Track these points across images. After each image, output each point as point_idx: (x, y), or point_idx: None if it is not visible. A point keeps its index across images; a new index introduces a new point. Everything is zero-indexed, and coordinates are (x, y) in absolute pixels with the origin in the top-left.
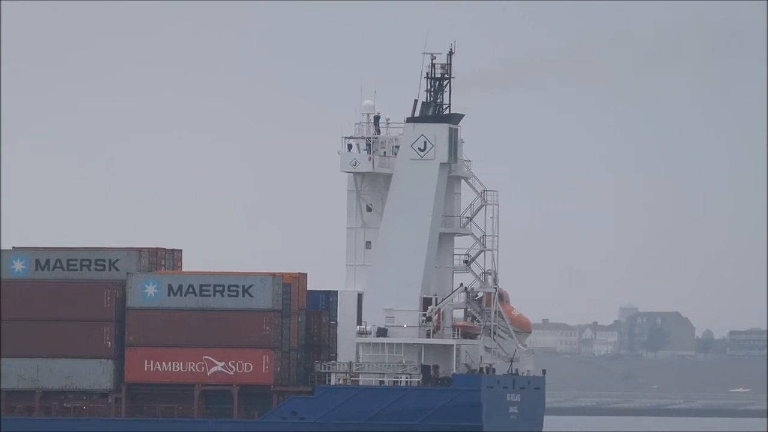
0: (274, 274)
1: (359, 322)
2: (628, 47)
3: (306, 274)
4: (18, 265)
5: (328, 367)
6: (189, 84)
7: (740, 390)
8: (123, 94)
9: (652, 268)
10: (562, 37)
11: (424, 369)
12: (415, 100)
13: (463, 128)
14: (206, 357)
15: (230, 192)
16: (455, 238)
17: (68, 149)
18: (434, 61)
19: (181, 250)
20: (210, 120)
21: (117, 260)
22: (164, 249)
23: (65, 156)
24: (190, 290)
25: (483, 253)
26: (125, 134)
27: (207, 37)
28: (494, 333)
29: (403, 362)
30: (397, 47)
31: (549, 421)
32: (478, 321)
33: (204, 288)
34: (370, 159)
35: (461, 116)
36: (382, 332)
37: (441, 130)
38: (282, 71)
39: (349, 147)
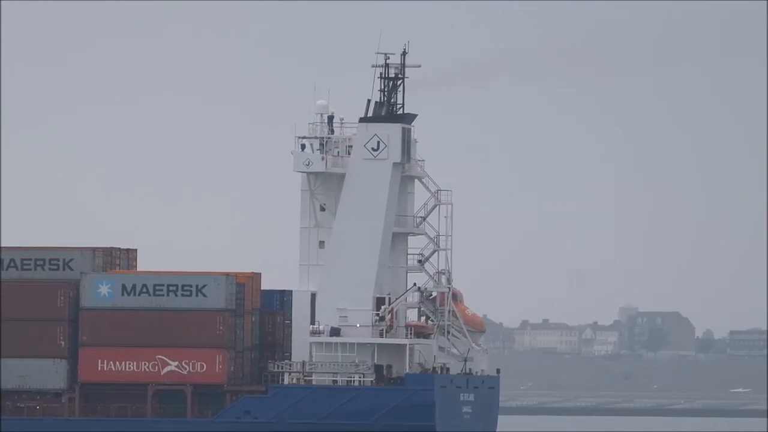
0: (227, 274)
1: (313, 321)
2: (627, 47)
3: (260, 273)
4: None
5: (282, 367)
6: (189, 84)
7: (740, 390)
8: (123, 94)
9: (652, 268)
10: (559, 35)
11: (377, 368)
12: (368, 100)
13: (444, 127)
14: (160, 357)
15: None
16: (409, 237)
17: (68, 149)
18: (388, 61)
19: (136, 250)
20: (210, 120)
21: (71, 260)
22: (119, 249)
23: (65, 156)
24: (144, 290)
25: (437, 252)
26: (125, 134)
27: (207, 37)
28: (448, 332)
29: (357, 362)
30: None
31: (550, 422)
32: (432, 320)
33: (158, 288)
34: (323, 159)
35: (414, 116)
36: (335, 332)
37: (394, 130)
38: (282, 71)
39: (303, 147)
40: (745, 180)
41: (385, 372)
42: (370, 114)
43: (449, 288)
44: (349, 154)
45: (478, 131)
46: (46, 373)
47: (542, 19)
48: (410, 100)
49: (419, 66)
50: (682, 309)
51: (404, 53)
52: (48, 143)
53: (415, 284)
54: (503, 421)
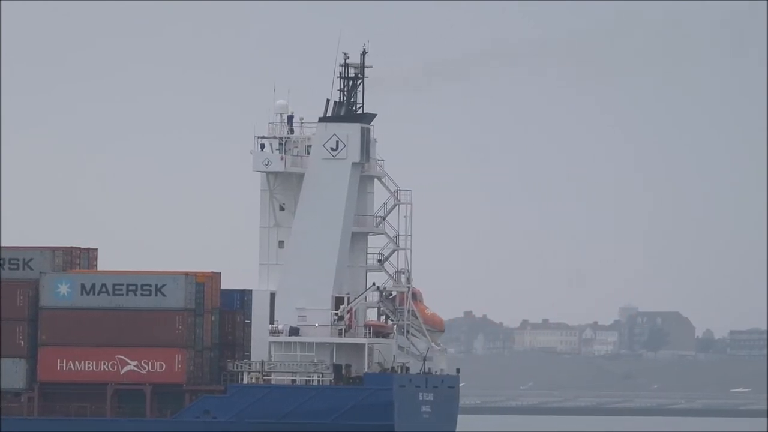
0: (187, 273)
1: (272, 321)
2: (627, 47)
3: (220, 273)
4: None
5: (241, 366)
6: (189, 84)
7: (740, 390)
8: (123, 94)
9: (652, 268)
10: (559, 35)
11: (336, 368)
12: (328, 100)
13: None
14: (119, 356)
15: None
16: (369, 237)
17: (68, 149)
18: (347, 61)
19: (96, 249)
20: (210, 120)
21: (31, 259)
22: (79, 248)
23: (65, 156)
24: (103, 289)
25: (396, 252)
26: (126, 134)
27: (207, 37)
28: (407, 332)
29: (315, 361)
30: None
31: (550, 422)
32: (391, 320)
33: (117, 287)
34: (282, 158)
35: (373, 116)
36: (294, 331)
37: (353, 129)
38: (282, 71)
39: (262, 146)
40: (745, 180)
41: (344, 371)
42: (329, 114)
43: (409, 287)
44: (309, 153)
45: (477, 131)
46: (6, 373)
47: (542, 18)
48: (396, 99)
49: (371, 67)
50: (682, 309)
51: (364, 53)
52: (48, 143)
53: (374, 284)
54: (505, 421)
